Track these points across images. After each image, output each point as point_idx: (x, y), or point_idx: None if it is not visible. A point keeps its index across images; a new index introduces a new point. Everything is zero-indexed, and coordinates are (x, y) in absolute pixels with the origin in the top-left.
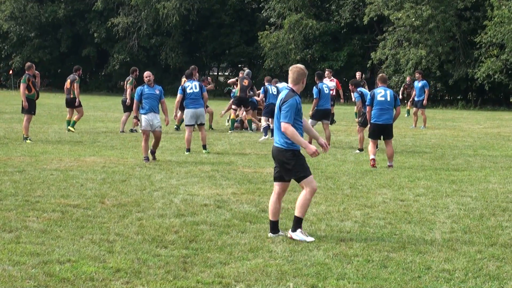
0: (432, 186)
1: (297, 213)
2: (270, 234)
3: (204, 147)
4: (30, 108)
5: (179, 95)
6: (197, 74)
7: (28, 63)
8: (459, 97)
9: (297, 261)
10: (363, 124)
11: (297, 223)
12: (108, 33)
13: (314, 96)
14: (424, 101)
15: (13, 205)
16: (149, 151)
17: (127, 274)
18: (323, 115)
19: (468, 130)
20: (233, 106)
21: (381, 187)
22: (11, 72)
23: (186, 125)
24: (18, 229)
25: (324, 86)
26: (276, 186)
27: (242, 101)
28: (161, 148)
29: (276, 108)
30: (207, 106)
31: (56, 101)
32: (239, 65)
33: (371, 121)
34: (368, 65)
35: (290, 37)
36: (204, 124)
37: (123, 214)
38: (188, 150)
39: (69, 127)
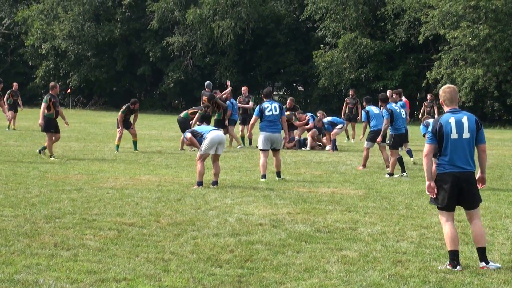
0: (490, 207)
1: (482, 244)
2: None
3: (278, 174)
4: (47, 126)
5: (254, 117)
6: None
7: (52, 83)
8: None
9: (352, 282)
10: (394, 146)
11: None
12: (163, 52)
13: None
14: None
15: (71, 223)
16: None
17: None
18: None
19: None
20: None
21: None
22: (69, 91)
23: (261, 150)
24: (75, 247)
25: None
26: (449, 215)
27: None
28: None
29: (467, 129)
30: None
31: (112, 119)
32: (294, 84)
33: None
34: (423, 84)
35: (345, 56)
36: (279, 149)
37: (178, 233)
38: (264, 176)
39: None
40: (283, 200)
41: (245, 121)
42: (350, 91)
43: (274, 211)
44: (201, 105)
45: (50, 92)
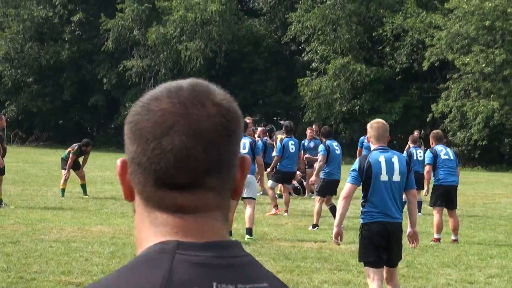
0: (508, 266)
1: None
2: None
3: (249, 231)
4: None
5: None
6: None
7: None
8: None
9: None
10: (322, 192)
11: None
12: (120, 78)
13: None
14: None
15: (4, 283)
16: None
17: None
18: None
19: None
20: None
21: (445, 266)
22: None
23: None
24: None
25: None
26: (377, 272)
27: None
28: None
29: (397, 170)
30: None
31: (57, 158)
32: (275, 118)
33: (437, 183)
34: (428, 119)
35: (335, 85)
36: (252, 198)
37: None
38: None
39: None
40: (261, 256)
41: None
42: (313, 126)
43: None
44: None
45: None
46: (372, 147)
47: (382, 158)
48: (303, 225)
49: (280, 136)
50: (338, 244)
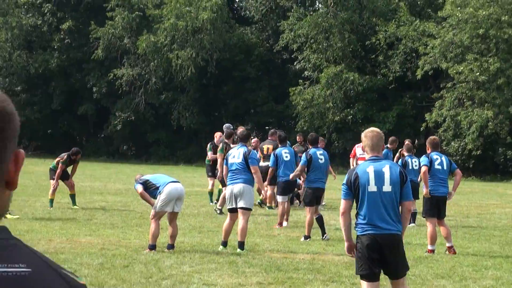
0: (502, 277)
1: None
2: None
3: (241, 245)
4: None
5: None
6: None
7: None
8: None
9: None
10: (309, 202)
11: None
12: (110, 87)
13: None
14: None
15: None
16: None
17: None
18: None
19: None
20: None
21: (439, 278)
22: None
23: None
24: None
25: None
26: (371, 285)
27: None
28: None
29: (388, 181)
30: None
31: (45, 168)
32: (266, 127)
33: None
34: (422, 129)
35: (328, 94)
36: (248, 208)
37: None
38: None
39: None
40: (253, 267)
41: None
42: (297, 137)
43: (242, 281)
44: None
45: None
46: (366, 156)
47: (370, 169)
48: (295, 236)
49: (266, 146)
50: (353, 257)
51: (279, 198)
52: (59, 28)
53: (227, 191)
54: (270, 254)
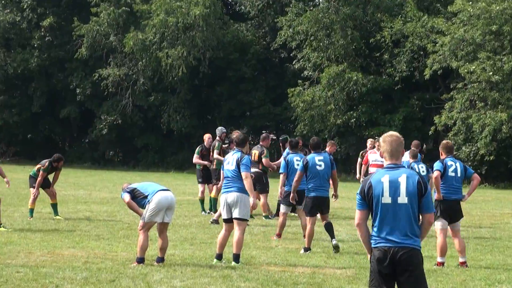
0: None
1: None
2: None
3: (236, 257)
4: None
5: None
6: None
7: None
8: None
9: None
10: (310, 212)
11: None
12: (95, 88)
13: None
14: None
15: None
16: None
17: None
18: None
19: None
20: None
21: None
22: None
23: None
24: None
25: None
26: None
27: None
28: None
29: (404, 192)
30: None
31: (25, 176)
32: (263, 131)
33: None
34: (430, 132)
35: (329, 95)
36: (242, 219)
37: None
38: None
39: None
40: (248, 281)
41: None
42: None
43: None
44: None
45: None
46: (385, 163)
47: (386, 178)
48: (294, 248)
49: (255, 151)
50: None
51: (283, 208)
52: (39, 25)
53: (221, 201)
54: (267, 267)
